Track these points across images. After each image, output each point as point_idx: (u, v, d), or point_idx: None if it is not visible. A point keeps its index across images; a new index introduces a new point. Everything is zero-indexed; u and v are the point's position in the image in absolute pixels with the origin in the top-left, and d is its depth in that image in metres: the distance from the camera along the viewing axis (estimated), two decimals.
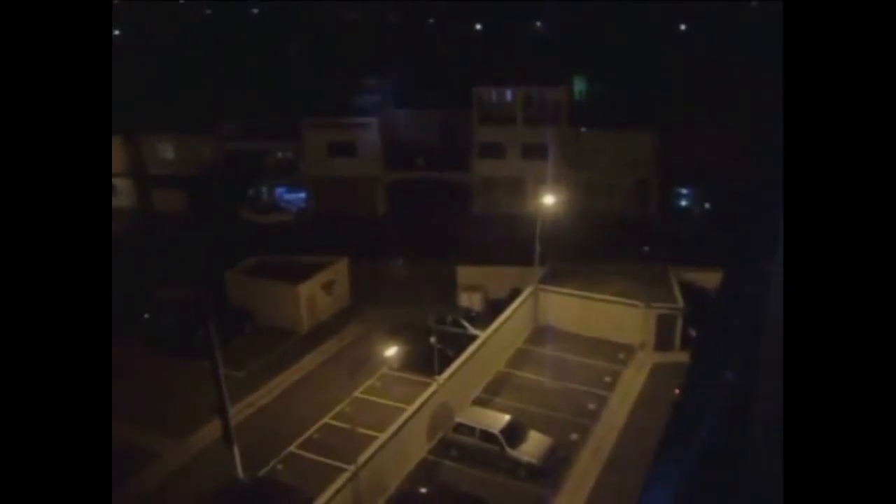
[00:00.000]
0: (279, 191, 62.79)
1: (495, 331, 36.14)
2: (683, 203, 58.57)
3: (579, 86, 64.59)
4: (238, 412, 30.41)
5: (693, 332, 37.40)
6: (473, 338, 35.75)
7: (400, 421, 28.26)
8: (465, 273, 43.50)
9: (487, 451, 28.52)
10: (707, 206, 56.97)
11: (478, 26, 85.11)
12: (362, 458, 25.35)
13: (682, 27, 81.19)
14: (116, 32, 72.71)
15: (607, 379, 35.27)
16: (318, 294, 41.65)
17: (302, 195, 61.79)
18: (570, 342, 38.55)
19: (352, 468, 24.90)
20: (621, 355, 37.34)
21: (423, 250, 48.17)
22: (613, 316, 38.34)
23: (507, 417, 29.73)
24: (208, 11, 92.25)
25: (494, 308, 40.22)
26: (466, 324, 38.29)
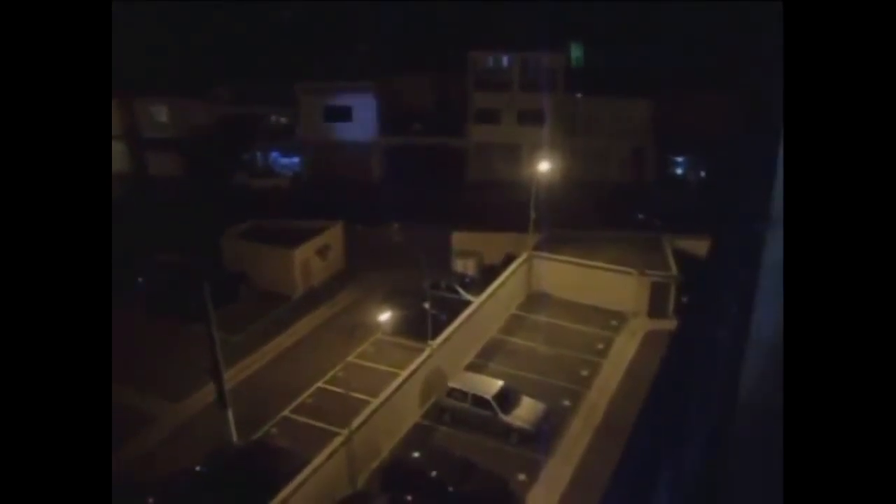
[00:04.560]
0: (274, 155, 62.53)
1: (489, 297, 36.22)
2: (679, 171, 58.59)
3: (576, 52, 63.98)
4: (232, 376, 30.51)
5: (685, 300, 37.62)
6: (467, 303, 35.84)
7: (393, 386, 28.44)
8: (459, 239, 43.55)
9: (480, 417, 28.73)
10: (702, 174, 56.98)
11: None
12: (356, 422, 25.53)
13: None
14: None
15: (600, 346, 35.50)
16: (312, 259, 41.68)
17: (296, 160, 61.55)
18: (563, 309, 38.71)
19: (345, 432, 25.06)
20: (614, 322, 37.54)
21: (417, 216, 48.15)
22: (607, 283, 38.44)
23: (499, 383, 29.88)
24: None
25: (489, 274, 40.29)
26: (460, 289, 38.39)
